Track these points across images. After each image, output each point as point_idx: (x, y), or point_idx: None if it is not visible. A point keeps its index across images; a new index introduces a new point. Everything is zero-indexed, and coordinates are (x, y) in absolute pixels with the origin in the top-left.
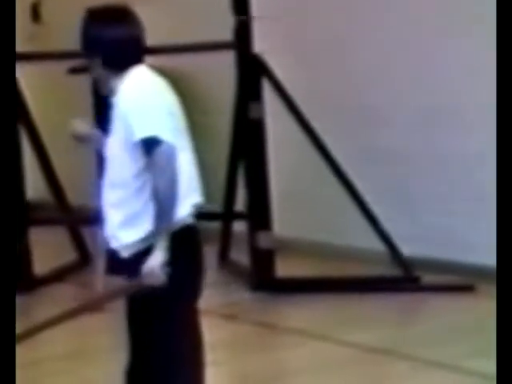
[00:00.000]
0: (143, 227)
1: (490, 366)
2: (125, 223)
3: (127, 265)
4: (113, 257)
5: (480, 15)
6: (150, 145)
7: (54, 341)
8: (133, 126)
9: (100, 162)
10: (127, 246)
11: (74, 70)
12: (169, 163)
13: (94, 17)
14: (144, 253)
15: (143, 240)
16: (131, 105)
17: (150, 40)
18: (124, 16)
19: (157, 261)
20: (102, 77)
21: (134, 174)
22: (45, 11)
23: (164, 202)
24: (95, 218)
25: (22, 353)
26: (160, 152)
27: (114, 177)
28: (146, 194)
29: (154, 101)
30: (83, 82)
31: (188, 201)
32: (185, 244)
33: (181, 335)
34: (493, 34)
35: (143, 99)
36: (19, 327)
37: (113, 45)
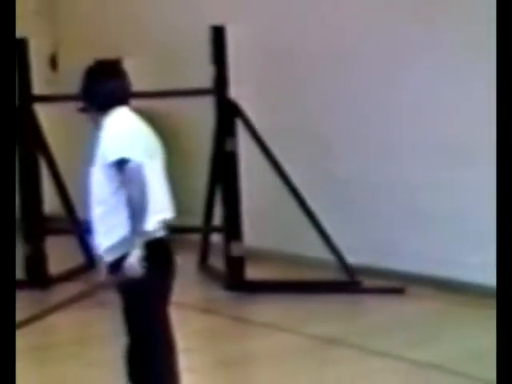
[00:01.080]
0: (119, 234)
1: (420, 354)
2: (106, 233)
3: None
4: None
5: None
6: (121, 164)
7: (61, 328)
8: (107, 150)
9: None
10: (108, 251)
11: (82, 110)
12: (137, 177)
13: (91, 73)
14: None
15: (120, 245)
16: (107, 133)
17: (142, 86)
18: (114, 71)
19: (135, 257)
20: (95, 117)
21: (111, 192)
22: (61, 61)
23: (137, 207)
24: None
25: (34, 338)
26: (129, 168)
27: (97, 195)
28: (122, 208)
29: (127, 129)
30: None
31: (159, 216)
32: (156, 253)
33: (154, 323)
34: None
35: (117, 128)
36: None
37: (105, 96)
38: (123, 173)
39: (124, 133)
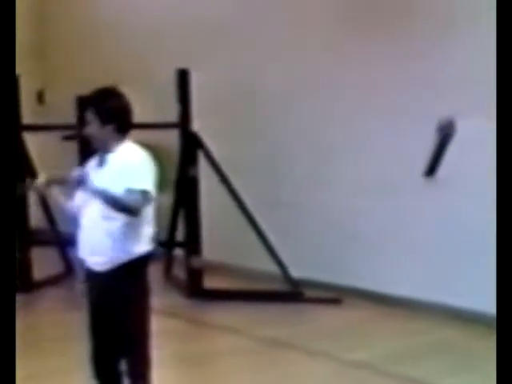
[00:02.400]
0: (125, 249)
1: (354, 356)
2: (113, 247)
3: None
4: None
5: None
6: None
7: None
8: (134, 178)
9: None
10: (106, 263)
11: (66, 138)
12: (145, 207)
13: (102, 95)
14: (118, 269)
15: (119, 261)
16: (137, 163)
17: None
18: (119, 92)
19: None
20: (110, 138)
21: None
22: (47, 96)
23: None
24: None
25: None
26: (146, 199)
27: (108, 212)
28: (130, 228)
29: (148, 162)
30: (72, 146)
31: (149, 247)
32: (142, 267)
33: (141, 320)
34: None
35: (140, 158)
36: (20, 317)
37: (125, 114)
38: (137, 199)
39: (147, 165)
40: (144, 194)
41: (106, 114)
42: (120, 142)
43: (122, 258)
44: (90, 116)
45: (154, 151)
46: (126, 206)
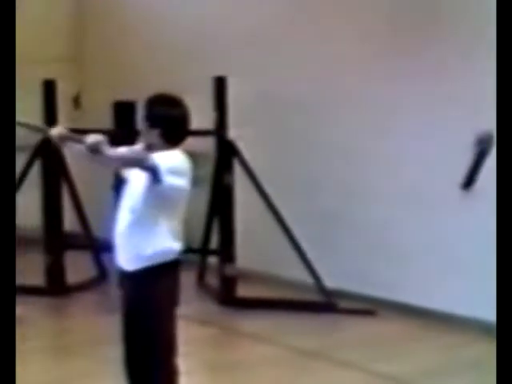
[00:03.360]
0: (148, 249)
1: (384, 368)
2: (133, 241)
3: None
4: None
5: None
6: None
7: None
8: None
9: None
10: (131, 261)
11: None
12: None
13: (160, 97)
14: (146, 271)
15: (144, 259)
16: (164, 157)
17: None
18: (179, 102)
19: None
20: (155, 142)
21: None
22: (83, 101)
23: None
24: (109, 247)
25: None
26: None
27: (133, 203)
28: (154, 225)
29: (177, 163)
30: None
31: (175, 245)
32: (171, 271)
33: (165, 330)
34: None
35: (173, 159)
36: (53, 321)
37: (175, 122)
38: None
39: (174, 161)
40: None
41: (153, 118)
42: (167, 149)
43: (144, 254)
44: (142, 117)
45: (192, 157)
46: (140, 161)
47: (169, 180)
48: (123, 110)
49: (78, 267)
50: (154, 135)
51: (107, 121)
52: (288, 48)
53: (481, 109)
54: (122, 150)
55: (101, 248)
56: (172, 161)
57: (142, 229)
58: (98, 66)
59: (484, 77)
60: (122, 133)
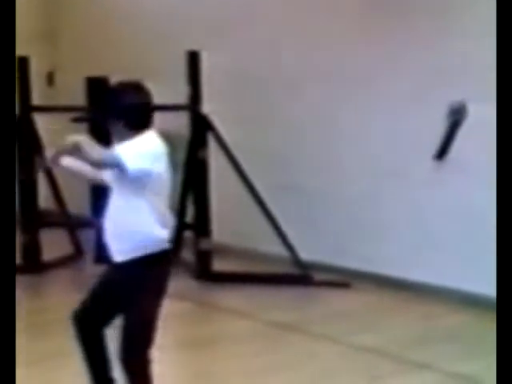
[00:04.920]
0: (135, 238)
1: (361, 340)
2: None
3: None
4: (100, 250)
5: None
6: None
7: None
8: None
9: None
10: (119, 252)
11: (75, 120)
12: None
13: (117, 88)
14: (133, 262)
15: (131, 250)
16: (132, 143)
17: None
18: (139, 87)
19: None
20: (120, 133)
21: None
22: (57, 78)
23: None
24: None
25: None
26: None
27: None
28: (139, 214)
29: (147, 150)
30: (81, 127)
31: (163, 233)
32: (159, 262)
33: (148, 321)
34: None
35: (139, 147)
36: (28, 299)
37: (133, 110)
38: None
39: (141, 146)
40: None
41: (115, 111)
42: (133, 136)
43: (131, 245)
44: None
45: (164, 135)
46: (108, 162)
47: (136, 166)
48: (96, 86)
49: (53, 245)
50: (120, 127)
51: (80, 98)
52: (262, 23)
53: (453, 80)
54: (96, 154)
55: (76, 225)
56: (138, 147)
57: (127, 218)
58: (71, 42)
59: (459, 48)
60: (94, 108)
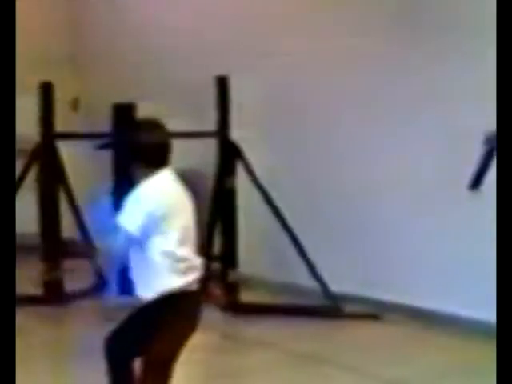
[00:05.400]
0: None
1: (394, 372)
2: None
3: None
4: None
5: None
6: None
7: None
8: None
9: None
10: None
11: (99, 147)
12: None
13: (133, 128)
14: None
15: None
16: (135, 195)
17: None
18: (155, 126)
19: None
20: (137, 172)
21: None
22: (82, 104)
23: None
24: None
25: None
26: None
27: None
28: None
29: (144, 203)
30: (106, 155)
31: (177, 282)
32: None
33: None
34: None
35: (142, 196)
36: (50, 330)
37: (148, 149)
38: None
39: (143, 199)
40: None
41: (132, 151)
42: (150, 174)
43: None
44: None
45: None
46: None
47: (136, 225)
48: (123, 112)
49: (76, 275)
50: (137, 166)
51: (105, 124)
52: (292, 48)
53: (492, 109)
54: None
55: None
56: (139, 201)
57: (142, 265)
58: (96, 68)
59: (476, 73)
60: (122, 134)
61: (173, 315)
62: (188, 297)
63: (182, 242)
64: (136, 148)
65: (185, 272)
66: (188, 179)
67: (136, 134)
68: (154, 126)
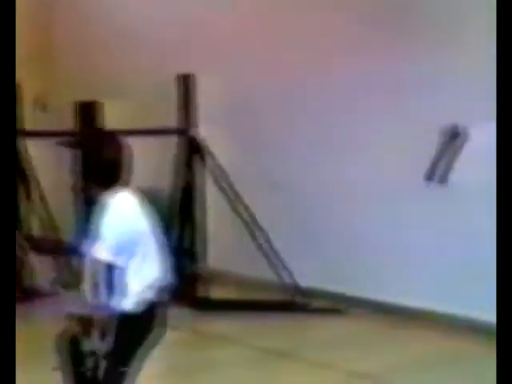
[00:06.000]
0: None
1: (359, 366)
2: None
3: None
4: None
5: None
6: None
7: None
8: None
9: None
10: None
11: (60, 144)
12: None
13: (84, 149)
14: None
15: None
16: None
17: (117, 125)
18: (108, 143)
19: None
20: (94, 190)
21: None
22: (47, 102)
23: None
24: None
25: None
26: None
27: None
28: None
29: (116, 224)
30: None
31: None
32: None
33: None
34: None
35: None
36: (20, 327)
37: (111, 168)
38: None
39: (113, 228)
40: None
41: (89, 169)
42: (105, 191)
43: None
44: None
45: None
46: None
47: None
48: (87, 110)
49: (46, 272)
50: (94, 183)
51: (71, 121)
52: (259, 46)
53: (450, 101)
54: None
55: (69, 252)
56: (111, 223)
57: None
58: (61, 67)
59: (462, 72)
60: (86, 132)
61: (151, 323)
62: (158, 305)
63: (146, 260)
64: (94, 169)
65: (151, 286)
66: (149, 197)
67: (85, 158)
68: (106, 143)
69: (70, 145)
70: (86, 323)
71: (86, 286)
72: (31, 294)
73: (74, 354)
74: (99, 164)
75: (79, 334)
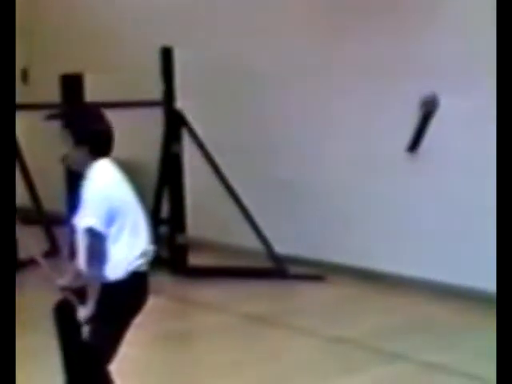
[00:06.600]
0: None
1: (340, 332)
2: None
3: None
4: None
5: None
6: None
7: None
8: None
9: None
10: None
11: (48, 117)
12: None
13: (82, 115)
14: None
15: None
16: (89, 192)
17: (101, 97)
18: (102, 116)
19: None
20: (82, 158)
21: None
22: (32, 74)
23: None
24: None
25: None
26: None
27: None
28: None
29: (102, 192)
30: (55, 125)
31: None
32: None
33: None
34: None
35: (95, 189)
36: None
37: (100, 137)
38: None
39: (98, 195)
40: (88, 231)
41: (80, 135)
42: (93, 162)
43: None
44: (65, 136)
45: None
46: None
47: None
48: (71, 83)
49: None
50: (82, 152)
51: (55, 94)
52: (236, 17)
53: (425, 72)
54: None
55: (52, 222)
56: (95, 194)
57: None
58: (45, 39)
59: (431, 40)
60: (70, 106)
61: (138, 292)
62: (144, 276)
63: (135, 232)
64: (86, 134)
65: (139, 257)
66: (127, 169)
67: (88, 122)
68: (101, 114)
69: (57, 117)
70: (79, 294)
71: (80, 256)
72: (18, 265)
73: (69, 323)
74: (102, 133)
75: (74, 305)
